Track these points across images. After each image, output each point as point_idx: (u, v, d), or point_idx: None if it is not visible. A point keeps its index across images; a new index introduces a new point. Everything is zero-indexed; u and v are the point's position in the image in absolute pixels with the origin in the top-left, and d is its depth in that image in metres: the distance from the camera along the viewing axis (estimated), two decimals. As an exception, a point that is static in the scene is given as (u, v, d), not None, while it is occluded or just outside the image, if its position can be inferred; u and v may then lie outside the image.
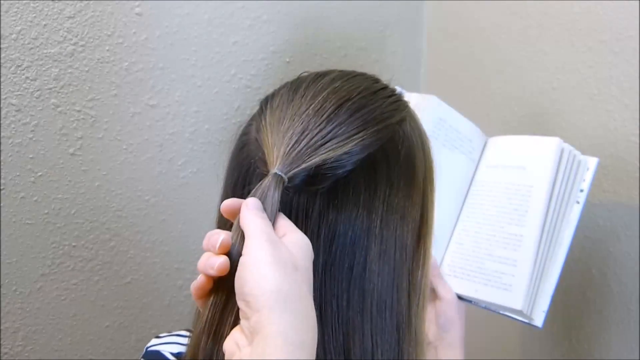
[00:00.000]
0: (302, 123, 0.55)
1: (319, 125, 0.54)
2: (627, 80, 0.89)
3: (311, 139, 0.54)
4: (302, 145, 0.53)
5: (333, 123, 0.55)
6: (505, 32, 1.09)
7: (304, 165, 0.53)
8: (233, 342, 0.47)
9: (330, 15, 1.15)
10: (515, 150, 0.86)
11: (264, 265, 0.46)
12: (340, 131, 0.54)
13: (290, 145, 0.54)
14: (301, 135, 0.54)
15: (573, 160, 0.81)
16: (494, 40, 1.11)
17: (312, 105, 0.56)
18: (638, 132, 0.89)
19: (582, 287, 0.99)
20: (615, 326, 0.95)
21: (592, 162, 0.82)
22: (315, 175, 0.53)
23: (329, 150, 0.53)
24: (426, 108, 0.86)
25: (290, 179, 0.52)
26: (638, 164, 0.89)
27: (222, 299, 0.50)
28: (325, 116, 0.55)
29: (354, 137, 0.54)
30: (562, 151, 0.81)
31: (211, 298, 0.51)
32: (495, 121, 1.13)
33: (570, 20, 0.96)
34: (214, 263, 0.49)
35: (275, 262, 0.46)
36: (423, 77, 1.31)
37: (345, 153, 0.54)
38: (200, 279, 0.51)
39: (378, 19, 1.22)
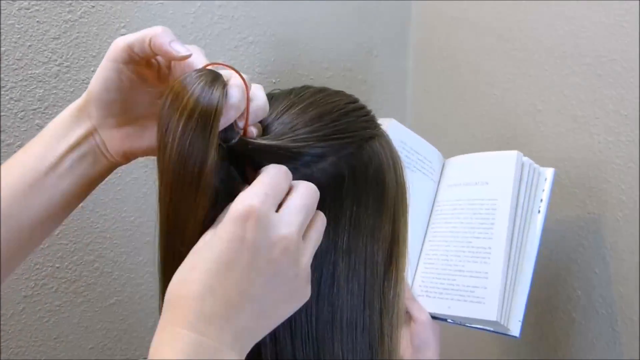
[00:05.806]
0: (281, 116, 0.56)
1: (294, 126, 0.55)
2: (611, 102, 0.90)
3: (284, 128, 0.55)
4: (275, 124, 0.55)
5: (305, 128, 0.55)
6: (490, 54, 1.10)
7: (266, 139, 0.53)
8: None
9: (316, 37, 1.16)
10: (475, 167, 0.89)
11: None
12: (309, 137, 0.55)
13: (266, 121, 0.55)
14: (277, 120, 0.55)
15: (533, 172, 0.85)
16: (480, 62, 1.12)
17: (292, 108, 0.57)
18: (622, 154, 0.89)
19: (568, 308, 0.99)
20: (601, 347, 0.95)
21: (549, 172, 0.86)
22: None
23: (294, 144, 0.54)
24: (387, 131, 0.87)
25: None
26: (622, 186, 0.90)
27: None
28: (301, 122, 0.56)
29: (320, 143, 0.55)
30: (522, 164, 0.84)
31: None
32: (480, 142, 1.13)
33: (554, 44, 0.97)
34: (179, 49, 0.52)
35: None
36: (409, 98, 1.32)
37: (307, 154, 0.54)
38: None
39: (364, 40, 1.23)
